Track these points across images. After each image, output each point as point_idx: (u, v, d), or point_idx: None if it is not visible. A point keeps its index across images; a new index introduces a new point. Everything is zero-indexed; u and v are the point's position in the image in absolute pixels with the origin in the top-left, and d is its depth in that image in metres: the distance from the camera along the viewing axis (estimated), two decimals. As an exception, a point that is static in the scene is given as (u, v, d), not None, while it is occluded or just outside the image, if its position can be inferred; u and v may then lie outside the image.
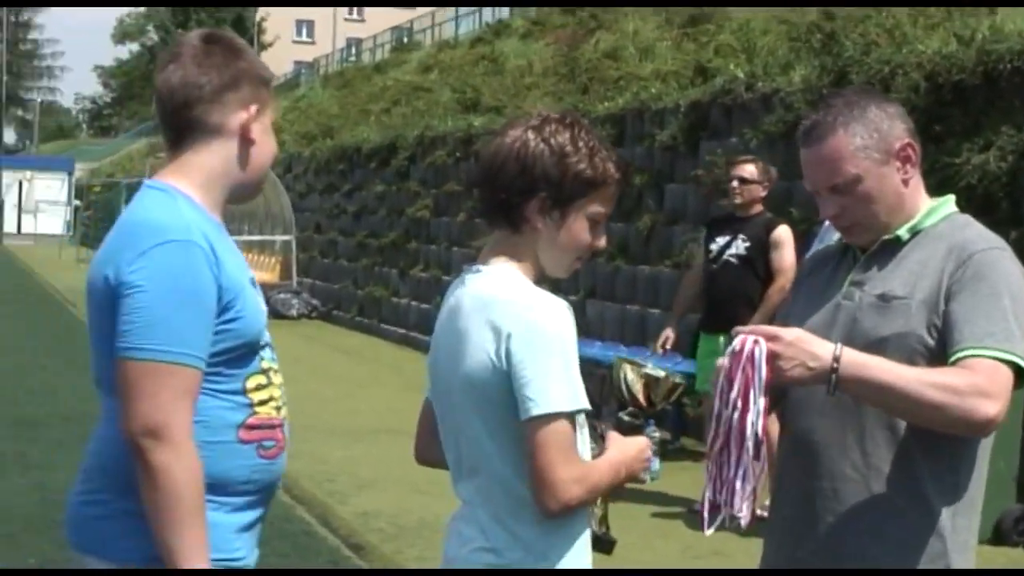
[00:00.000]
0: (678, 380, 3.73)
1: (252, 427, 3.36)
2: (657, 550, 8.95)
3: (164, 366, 3.15)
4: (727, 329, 9.25)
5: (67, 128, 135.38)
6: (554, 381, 3.20)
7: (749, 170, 9.88)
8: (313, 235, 28.47)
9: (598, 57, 21.09)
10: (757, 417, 3.16)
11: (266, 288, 18.59)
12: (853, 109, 3.40)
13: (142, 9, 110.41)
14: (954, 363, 3.19)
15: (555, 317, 3.25)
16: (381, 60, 48.56)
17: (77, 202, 70.38)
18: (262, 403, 3.38)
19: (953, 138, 10.41)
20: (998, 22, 11.52)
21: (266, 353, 3.43)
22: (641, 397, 3.63)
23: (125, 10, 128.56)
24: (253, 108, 3.45)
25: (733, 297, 9.72)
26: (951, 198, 3.54)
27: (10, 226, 70.62)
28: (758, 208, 9.89)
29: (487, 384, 3.25)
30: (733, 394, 3.17)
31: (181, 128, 3.43)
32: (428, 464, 3.71)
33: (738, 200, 9.88)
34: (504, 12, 41.39)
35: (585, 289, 16.22)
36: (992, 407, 3.13)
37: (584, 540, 3.38)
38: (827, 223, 8.56)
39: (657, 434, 8.80)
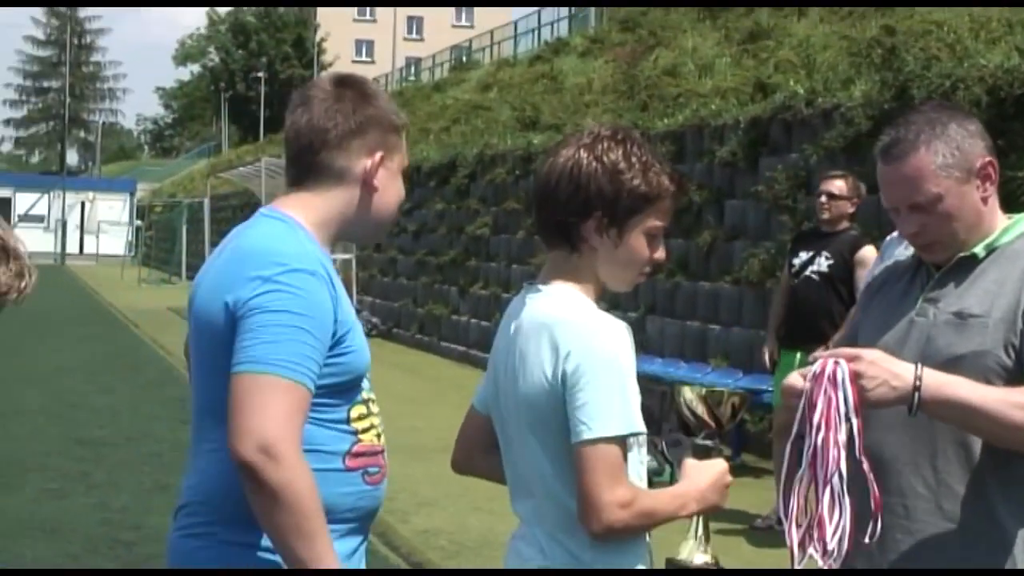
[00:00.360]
0: (739, 394, 3.72)
1: (357, 455, 3.36)
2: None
3: (284, 382, 3.11)
4: (806, 345, 9.28)
5: (129, 149, 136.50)
6: (607, 405, 3.21)
7: (838, 185, 9.71)
8: (373, 254, 28.55)
9: (657, 74, 21.06)
10: (845, 441, 3.07)
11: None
12: (935, 127, 3.35)
13: (203, 31, 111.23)
14: None
15: (614, 339, 3.27)
16: (440, 79, 48.71)
17: (139, 222, 70.97)
18: (365, 431, 3.39)
19: (1016, 152, 10.32)
20: (1061, 35, 11.45)
21: (365, 384, 3.44)
22: (707, 417, 3.63)
23: (187, 32, 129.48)
24: (379, 155, 3.43)
25: (814, 314, 9.58)
26: None
27: (72, 247, 71.29)
28: (844, 224, 9.71)
29: (544, 404, 3.27)
30: (816, 417, 3.10)
31: (304, 169, 3.44)
32: (465, 474, 3.80)
33: (825, 215, 9.71)
34: (563, 30, 41.46)
35: (645, 305, 16.19)
36: None
37: (643, 559, 3.37)
38: (887, 240, 8.52)
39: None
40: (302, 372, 3.14)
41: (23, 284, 3.02)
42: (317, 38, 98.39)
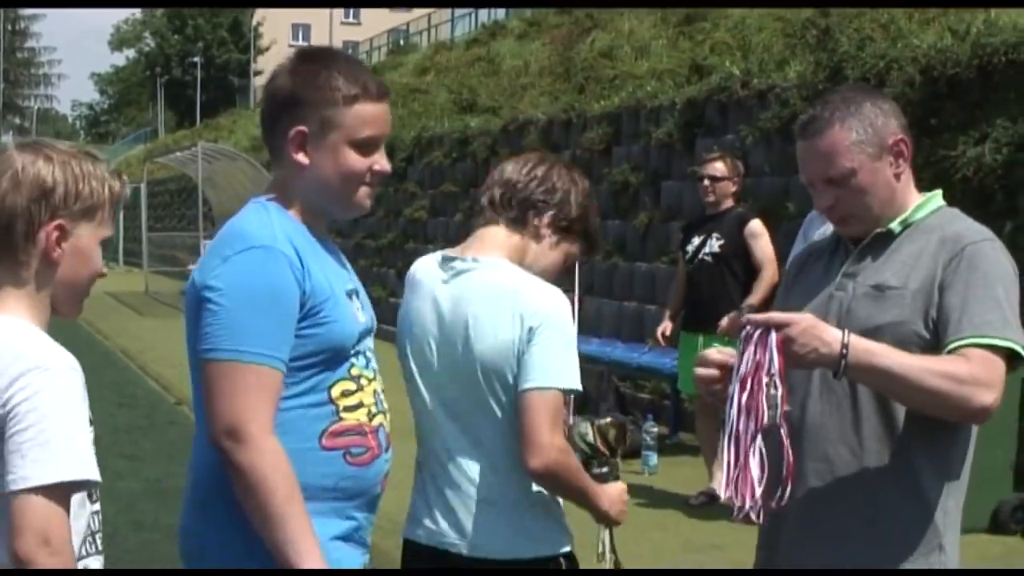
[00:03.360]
0: (622, 420, 4.31)
1: (336, 434, 3.33)
2: (655, 543, 8.97)
3: (241, 366, 3.16)
4: (707, 328, 9.47)
5: (64, 135, 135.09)
6: (559, 361, 3.62)
7: (718, 167, 9.90)
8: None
9: (594, 56, 21.09)
10: (776, 405, 3.17)
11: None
12: (850, 105, 3.50)
13: (139, 15, 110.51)
14: (951, 351, 3.28)
15: (567, 307, 3.68)
16: (378, 63, 48.58)
17: (75, 208, 70.47)
18: (349, 409, 3.36)
19: (948, 131, 10.42)
20: (992, 16, 11.53)
21: (359, 360, 3.44)
22: (601, 446, 4.01)
23: (122, 17, 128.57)
24: (295, 130, 3.37)
25: (711, 296, 9.75)
26: (939, 192, 3.65)
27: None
28: (729, 203, 9.91)
29: (501, 361, 3.64)
30: (744, 377, 3.20)
31: (267, 145, 3.49)
32: None
33: (710, 198, 9.91)
34: (500, 13, 41.43)
35: (583, 286, 16.23)
36: (989, 396, 3.23)
37: (570, 538, 3.83)
38: (808, 218, 8.65)
39: (655, 429, 8.83)
40: (259, 352, 3.17)
41: (125, 184, 3.03)
42: (253, 22, 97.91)
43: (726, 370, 3.29)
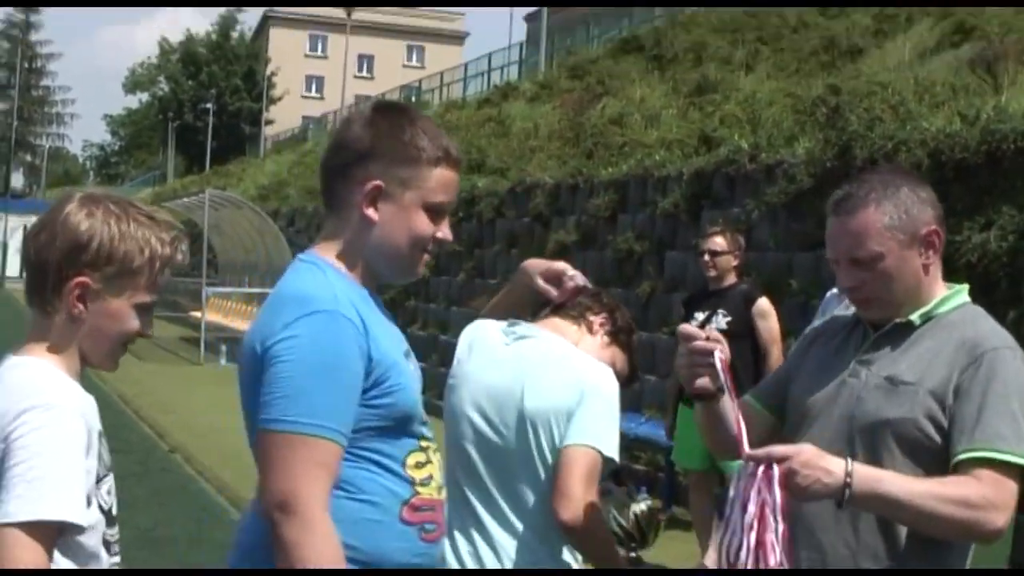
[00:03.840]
0: (656, 507, 4.69)
1: (416, 508, 3.24)
2: (644, 619, 8.89)
3: (299, 438, 3.03)
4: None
5: (74, 174, 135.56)
6: (602, 427, 3.88)
7: (718, 242, 9.77)
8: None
9: (604, 122, 21.13)
10: (778, 542, 3.11)
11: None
12: (887, 188, 3.44)
13: (154, 60, 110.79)
14: (960, 462, 3.23)
15: (616, 386, 4.04)
16: (389, 118, 48.71)
17: (81, 248, 70.54)
18: (423, 483, 3.27)
19: (954, 216, 10.40)
20: (1002, 102, 11.55)
21: (425, 430, 3.33)
22: (634, 530, 4.46)
23: (137, 60, 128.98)
24: (371, 184, 3.26)
25: None
26: (965, 287, 3.59)
27: (12, 270, 70.74)
28: (732, 279, 9.79)
29: (554, 422, 3.86)
30: (748, 518, 3.13)
31: (325, 194, 3.37)
32: None
33: (712, 273, 9.76)
34: (513, 74, 41.58)
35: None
36: (1001, 518, 3.20)
37: None
38: (828, 295, 8.59)
39: (649, 502, 8.81)
40: (319, 425, 3.04)
41: (177, 250, 2.94)
42: (268, 72, 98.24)
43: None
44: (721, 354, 3.37)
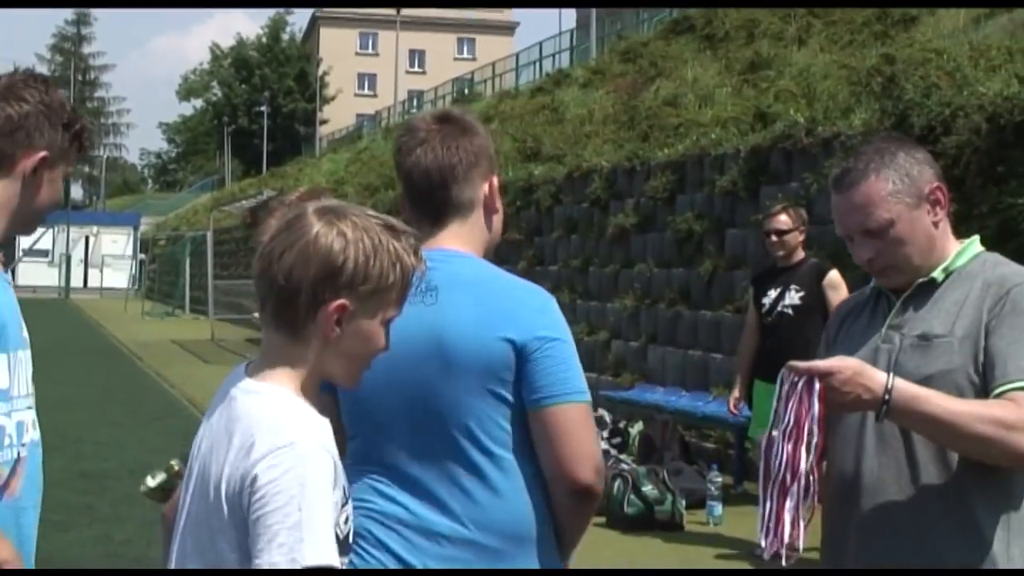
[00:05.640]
0: None
1: None
2: (721, 596, 8.90)
3: (588, 407, 3.38)
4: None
5: (133, 183, 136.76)
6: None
7: (783, 220, 9.77)
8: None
9: (658, 105, 21.10)
10: (810, 452, 3.19)
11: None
12: (884, 156, 3.48)
13: (206, 66, 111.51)
14: (998, 396, 3.26)
15: None
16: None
17: (142, 256, 71.05)
18: None
19: (1016, 179, 10.34)
20: (1059, 62, 11.47)
21: None
22: None
23: (190, 67, 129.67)
24: (494, 179, 3.67)
25: (792, 348, 9.57)
26: (976, 238, 3.62)
27: (77, 281, 71.39)
28: (801, 255, 9.80)
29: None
30: (787, 427, 3.22)
31: (441, 205, 3.60)
32: None
33: (780, 252, 9.78)
34: (564, 61, 41.55)
35: (647, 334, 16.19)
36: None
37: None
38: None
39: (720, 479, 8.79)
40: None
41: (420, 258, 2.88)
42: (320, 72, 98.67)
43: None
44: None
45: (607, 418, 13.96)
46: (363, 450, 3.41)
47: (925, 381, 3.31)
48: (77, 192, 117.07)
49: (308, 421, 2.72)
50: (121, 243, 77.34)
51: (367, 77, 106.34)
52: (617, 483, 11.00)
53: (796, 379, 3.23)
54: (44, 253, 72.62)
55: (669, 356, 15.65)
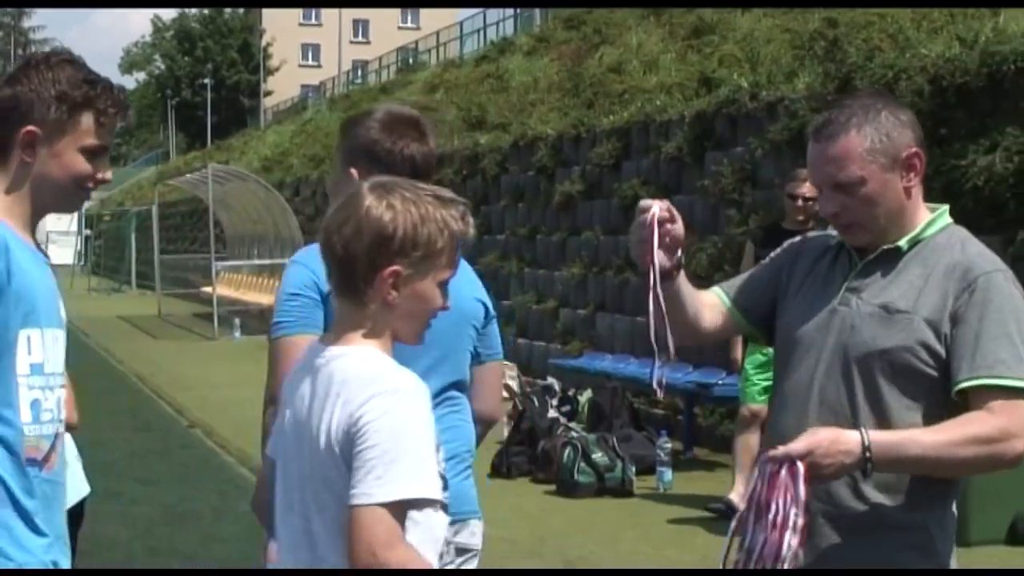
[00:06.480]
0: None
1: None
2: (671, 559, 8.94)
3: None
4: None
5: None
6: None
7: (809, 187, 9.78)
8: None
9: (602, 72, 21.08)
10: (794, 536, 3.17)
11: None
12: (868, 112, 3.43)
13: (148, 39, 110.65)
14: (964, 391, 3.26)
15: None
16: (387, 81, 48.68)
17: (87, 231, 70.56)
18: None
19: (958, 141, 10.39)
20: (1001, 24, 11.50)
21: None
22: None
23: (131, 40, 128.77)
24: None
25: None
26: (946, 208, 3.57)
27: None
28: (812, 224, 9.82)
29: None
30: (771, 516, 3.18)
31: None
32: None
33: (800, 217, 9.69)
34: (508, 29, 41.46)
35: (595, 302, 16.20)
36: (1020, 443, 3.26)
37: None
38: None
39: (669, 445, 8.79)
40: None
41: (469, 224, 3.14)
42: (263, 43, 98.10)
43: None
44: (672, 227, 3.55)
45: (556, 386, 13.96)
46: None
47: (881, 354, 3.32)
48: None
49: (400, 370, 2.98)
50: (66, 219, 76.36)
51: (311, 48, 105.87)
52: (567, 451, 11.02)
53: (775, 467, 3.20)
54: (-13, 230, 72.03)
55: (617, 323, 15.66)
